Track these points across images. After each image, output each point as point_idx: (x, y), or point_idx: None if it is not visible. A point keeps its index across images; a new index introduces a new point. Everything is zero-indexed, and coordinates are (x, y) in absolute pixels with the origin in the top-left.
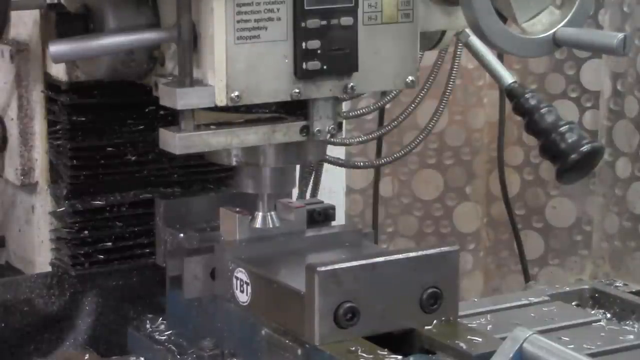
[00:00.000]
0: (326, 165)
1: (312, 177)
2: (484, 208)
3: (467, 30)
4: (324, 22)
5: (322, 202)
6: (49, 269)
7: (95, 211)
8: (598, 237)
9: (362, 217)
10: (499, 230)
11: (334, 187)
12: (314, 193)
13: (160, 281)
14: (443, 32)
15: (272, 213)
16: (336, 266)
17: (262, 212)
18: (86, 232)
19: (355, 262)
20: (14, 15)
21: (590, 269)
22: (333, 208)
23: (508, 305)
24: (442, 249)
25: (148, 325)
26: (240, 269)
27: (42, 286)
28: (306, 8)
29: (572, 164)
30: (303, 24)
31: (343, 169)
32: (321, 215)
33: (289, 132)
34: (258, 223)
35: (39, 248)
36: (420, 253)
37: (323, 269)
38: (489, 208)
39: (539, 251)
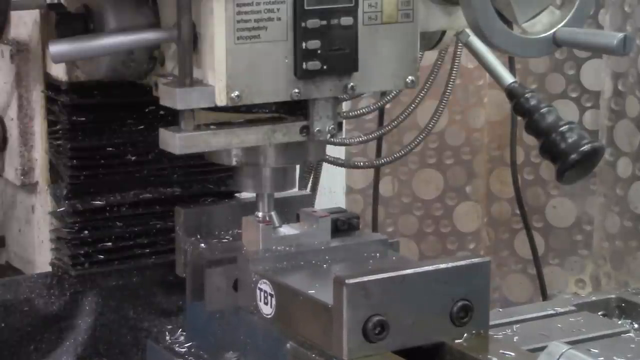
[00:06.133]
0: (326, 165)
1: (312, 177)
2: (484, 208)
3: (467, 30)
4: (324, 22)
5: (345, 210)
6: (49, 269)
7: (95, 211)
8: (599, 236)
9: (362, 217)
10: (499, 230)
11: (334, 187)
12: (313, 193)
13: (161, 281)
14: (443, 32)
15: (273, 213)
16: (365, 279)
17: (262, 212)
18: (86, 232)
19: (385, 275)
20: (14, 15)
21: (591, 268)
22: (357, 217)
23: (534, 315)
24: (472, 260)
25: (167, 337)
26: (264, 280)
27: (42, 286)
28: (306, 8)
29: (572, 164)
30: (303, 24)
31: (343, 169)
32: (345, 225)
33: (289, 132)
34: None
35: (39, 248)
36: (450, 265)
37: (352, 281)
38: (489, 208)
39: (539, 251)
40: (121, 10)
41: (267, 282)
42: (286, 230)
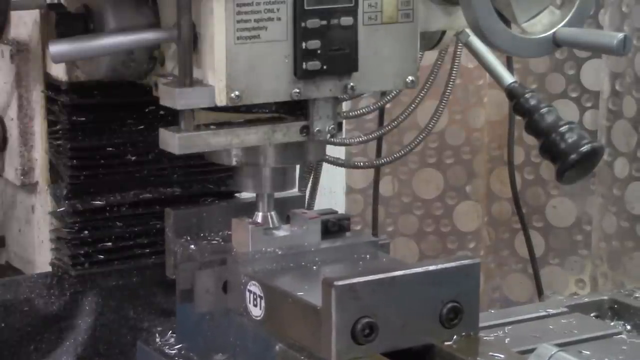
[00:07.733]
0: (326, 165)
1: (312, 177)
2: (484, 207)
3: (467, 30)
4: (324, 22)
5: (336, 212)
6: (49, 269)
7: (95, 211)
8: (597, 237)
9: (362, 217)
10: (499, 230)
11: (334, 187)
12: (313, 193)
13: (161, 281)
14: (443, 32)
15: (273, 213)
16: (354, 280)
17: (262, 212)
18: (86, 232)
19: (374, 276)
20: (14, 15)
21: (590, 269)
22: (348, 218)
23: (526, 316)
24: (462, 262)
25: (157, 339)
26: (254, 282)
27: (42, 286)
28: (306, 8)
29: (571, 164)
30: (303, 24)
31: (343, 169)
32: (335, 226)
33: (289, 132)
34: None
35: (39, 248)
36: (440, 266)
37: (340, 283)
38: (490, 207)
39: (539, 251)
40: (121, 10)
41: (257, 283)
42: (276, 231)
